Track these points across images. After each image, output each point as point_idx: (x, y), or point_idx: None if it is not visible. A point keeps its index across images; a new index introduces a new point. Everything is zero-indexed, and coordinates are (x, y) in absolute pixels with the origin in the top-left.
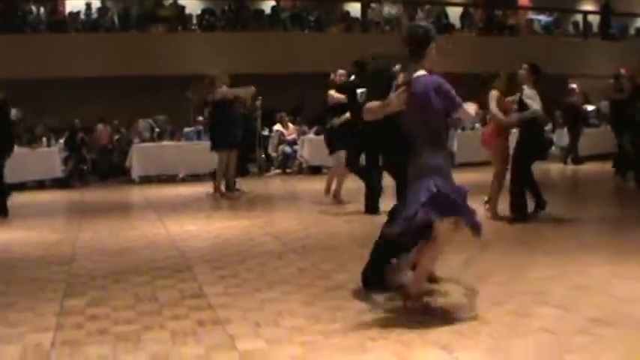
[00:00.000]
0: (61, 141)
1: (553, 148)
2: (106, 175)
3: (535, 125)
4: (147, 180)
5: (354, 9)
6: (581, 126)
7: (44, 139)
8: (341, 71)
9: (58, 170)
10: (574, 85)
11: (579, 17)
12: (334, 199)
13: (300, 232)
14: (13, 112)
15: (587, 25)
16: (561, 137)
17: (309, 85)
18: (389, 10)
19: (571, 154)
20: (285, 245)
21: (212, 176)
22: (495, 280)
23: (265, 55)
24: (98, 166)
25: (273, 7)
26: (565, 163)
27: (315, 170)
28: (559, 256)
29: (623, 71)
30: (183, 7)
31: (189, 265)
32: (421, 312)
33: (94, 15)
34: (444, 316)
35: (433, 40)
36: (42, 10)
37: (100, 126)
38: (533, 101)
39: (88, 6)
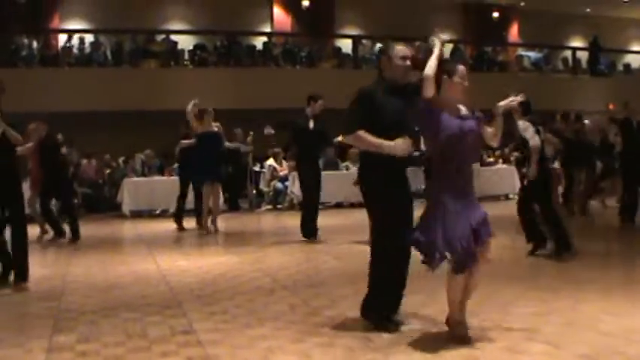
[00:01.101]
0: None
1: None
2: (93, 210)
3: (541, 159)
4: (138, 214)
5: (346, 45)
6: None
7: None
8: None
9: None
10: (586, 121)
11: (568, 53)
12: None
13: (290, 268)
14: (63, 150)
15: (576, 61)
16: None
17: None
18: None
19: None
20: (275, 281)
21: (174, 215)
22: (487, 317)
23: (257, 90)
24: (85, 201)
25: (265, 43)
26: None
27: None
28: (549, 292)
29: (611, 107)
30: (175, 43)
31: (179, 300)
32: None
33: (87, 49)
34: (436, 352)
35: None
36: (35, 44)
37: (84, 161)
38: (528, 133)
39: (81, 40)
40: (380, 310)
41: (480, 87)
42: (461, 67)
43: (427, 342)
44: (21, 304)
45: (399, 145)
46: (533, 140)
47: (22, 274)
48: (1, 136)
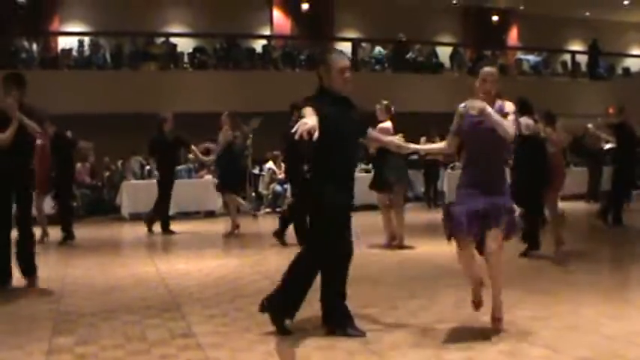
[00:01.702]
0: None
1: None
2: (92, 213)
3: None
4: (137, 217)
5: (346, 48)
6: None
7: None
8: None
9: (47, 207)
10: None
11: (568, 57)
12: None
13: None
14: (82, 144)
15: (576, 64)
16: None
17: None
18: (379, 49)
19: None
20: (275, 284)
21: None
22: (486, 320)
23: (257, 93)
24: (84, 203)
25: (264, 46)
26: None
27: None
28: (549, 295)
29: (611, 110)
30: (175, 45)
31: (178, 303)
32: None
33: (87, 52)
34: (435, 355)
35: None
36: (35, 46)
37: (78, 165)
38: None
39: (81, 43)
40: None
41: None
42: (485, 70)
43: (426, 345)
44: (20, 306)
45: None
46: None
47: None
48: (18, 134)
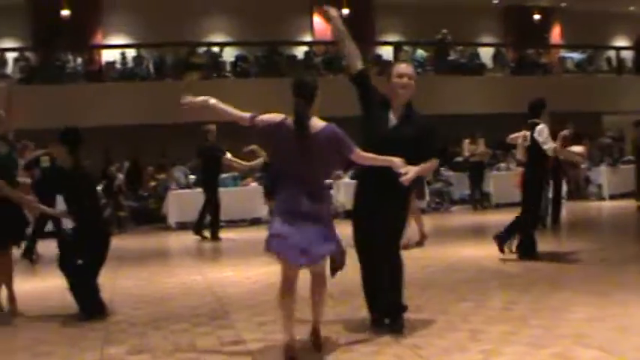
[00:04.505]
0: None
1: (590, 186)
2: (140, 223)
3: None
4: (183, 226)
5: (387, 52)
6: None
7: None
8: None
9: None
10: None
11: (612, 53)
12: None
13: (340, 276)
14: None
15: (621, 60)
16: (598, 175)
17: (344, 129)
18: (421, 52)
19: None
20: None
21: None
22: (536, 323)
23: None
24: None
25: (306, 53)
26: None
27: (348, 214)
28: (600, 297)
29: None
30: (216, 54)
31: (227, 311)
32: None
33: (130, 64)
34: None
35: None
36: (79, 60)
37: (119, 175)
38: (541, 137)
39: (123, 55)
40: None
41: (523, 90)
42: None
43: (476, 349)
44: (71, 317)
45: None
46: (549, 142)
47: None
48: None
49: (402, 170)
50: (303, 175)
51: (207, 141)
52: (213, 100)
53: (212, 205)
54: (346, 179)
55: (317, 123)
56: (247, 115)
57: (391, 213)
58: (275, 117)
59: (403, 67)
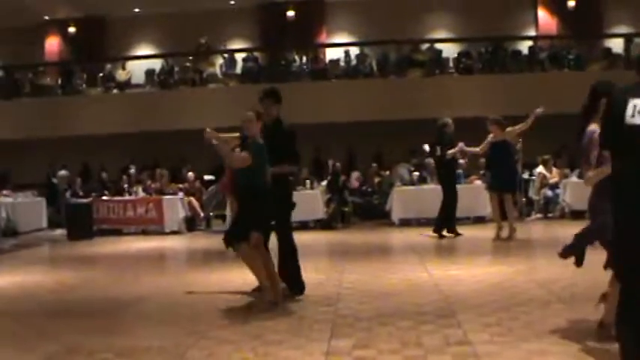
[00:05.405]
0: (324, 183)
1: None
2: (365, 218)
3: None
4: (407, 223)
5: (617, 45)
6: None
7: (307, 182)
8: None
9: (320, 212)
10: None
11: None
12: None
13: (565, 280)
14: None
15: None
16: None
17: (569, 127)
18: None
19: None
20: (550, 293)
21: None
22: None
23: (523, 96)
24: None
25: (530, 47)
26: None
27: (578, 215)
28: None
29: None
30: (440, 51)
31: (453, 310)
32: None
33: (353, 62)
34: None
35: None
36: (304, 58)
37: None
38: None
39: (347, 53)
40: None
41: None
42: None
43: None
44: (299, 308)
45: None
46: None
47: (298, 287)
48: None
49: None
50: None
51: (442, 136)
52: None
53: (450, 202)
54: (574, 178)
55: None
56: None
57: None
58: None
59: None
